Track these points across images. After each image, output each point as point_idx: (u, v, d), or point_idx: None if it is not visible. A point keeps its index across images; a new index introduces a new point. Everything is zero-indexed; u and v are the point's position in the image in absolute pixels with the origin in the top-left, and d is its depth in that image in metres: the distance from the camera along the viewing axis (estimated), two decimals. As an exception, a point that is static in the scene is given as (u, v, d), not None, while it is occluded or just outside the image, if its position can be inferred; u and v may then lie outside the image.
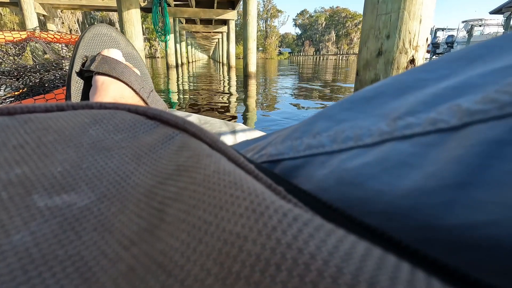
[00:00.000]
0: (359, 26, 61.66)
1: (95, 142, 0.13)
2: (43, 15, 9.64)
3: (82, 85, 0.43)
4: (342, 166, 0.13)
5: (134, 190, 0.11)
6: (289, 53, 64.31)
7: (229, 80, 5.67)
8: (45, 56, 0.96)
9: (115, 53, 0.43)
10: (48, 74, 0.82)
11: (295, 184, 0.13)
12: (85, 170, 0.11)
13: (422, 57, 1.27)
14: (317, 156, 0.14)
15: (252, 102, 3.23)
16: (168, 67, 9.27)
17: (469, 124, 0.10)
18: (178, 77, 6.01)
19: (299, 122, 0.18)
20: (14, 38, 0.91)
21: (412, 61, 1.25)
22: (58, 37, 1.00)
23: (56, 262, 0.08)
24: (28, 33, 0.95)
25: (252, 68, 5.74)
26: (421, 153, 0.11)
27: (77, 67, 0.42)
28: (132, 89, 0.42)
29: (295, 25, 70.71)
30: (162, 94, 3.86)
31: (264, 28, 63.66)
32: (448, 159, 0.10)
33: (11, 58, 0.85)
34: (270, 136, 0.20)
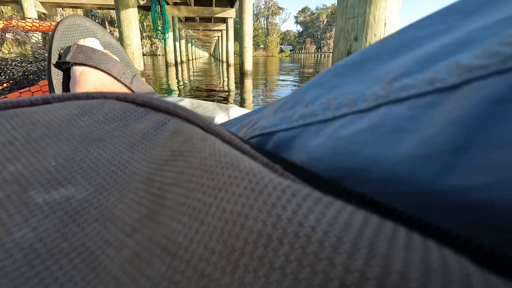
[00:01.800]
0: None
1: (86, 133, 0.13)
2: (43, 13, 9.74)
3: (62, 77, 0.42)
4: (336, 135, 0.13)
5: (131, 179, 0.11)
6: (290, 50, 64.16)
7: (227, 77, 5.75)
8: (26, 47, 0.93)
9: (91, 42, 0.42)
10: (31, 65, 0.80)
11: (291, 160, 0.13)
12: (80, 162, 0.11)
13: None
14: (310, 125, 0.14)
15: (248, 96, 3.31)
16: (167, 65, 9.37)
17: (468, 82, 0.09)
18: (177, 75, 6.08)
19: (292, 92, 0.17)
20: None
21: (378, 61, 1.35)
22: (37, 25, 0.95)
23: (62, 255, 0.08)
24: (4, 22, 0.90)
25: (248, 66, 5.83)
26: (418, 117, 0.10)
27: (54, 59, 0.41)
28: (112, 76, 0.41)
29: (297, 22, 70.42)
30: (164, 92, 3.91)
31: (266, 26, 63.52)
32: (446, 121, 0.09)
33: None
34: (263, 109, 0.20)
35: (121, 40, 4.96)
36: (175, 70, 7.71)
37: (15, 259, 0.08)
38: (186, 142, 0.11)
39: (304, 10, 68.01)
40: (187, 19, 12.97)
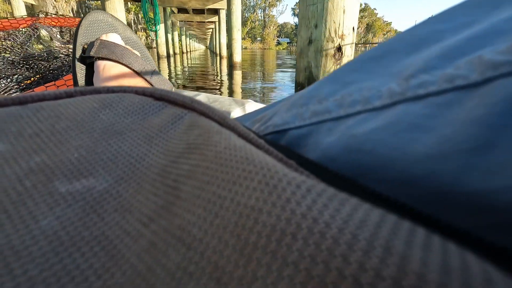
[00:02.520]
0: (359, 15, 60.89)
1: (106, 126, 0.13)
2: (32, 4, 9.56)
3: (86, 71, 0.44)
4: (350, 133, 0.12)
5: (149, 171, 0.11)
6: (287, 43, 63.63)
7: (220, 70, 5.70)
8: (53, 42, 0.95)
9: (113, 37, 0.44)
10: (56, 60, 0.83)
11: (306, 156, 0.13)
12: (100, 154, 0.11)
13: (349, 44, 1.37)
14: (323, 123, 0.14)
15: (237, 89, 3.30)
16: (158, 57, 9.28)
17: (492, 79, 0.09)
18: (170, 68, 6.03)
19: (305, 88, 0.17)
20: (19, 25, 0.90)
21: (339, 48, 1.35)
22: (63, 20, 0.98)
23: (83, 242, 0.08)
24: (33, 19, 0.93)
25: (237, 58, 5.79)
26: (436, 115, 0.10)
27: (78, 54, 0.43)
28: (134, 70, 0.42)
29: (294, 14, 69.68)
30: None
31: (262, 18, 62.77)
32: (467, 120, 0.09)
33: (18, 46, 0.85)
34: (276, 105, 0.19)
35: (107, 31, 4.90)
36: (166, 62, 7.64)
37: (41, 245, 0.08)
38: (202, 136, 0.11)
39: (301, 2, 66.24)
40: (180, 10, 12.80)
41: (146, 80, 0.43)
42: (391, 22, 65.75)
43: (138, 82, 0.42)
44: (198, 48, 35.37)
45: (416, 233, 0.06)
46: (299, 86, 1.56)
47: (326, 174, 0.11)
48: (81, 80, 0.43)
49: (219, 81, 3.87)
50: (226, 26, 5.77)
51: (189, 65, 7.26)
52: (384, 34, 62.87)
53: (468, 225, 0.08)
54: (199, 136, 0.11)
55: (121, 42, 0.45)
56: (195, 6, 9.65)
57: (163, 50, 9.64)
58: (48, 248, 0.08)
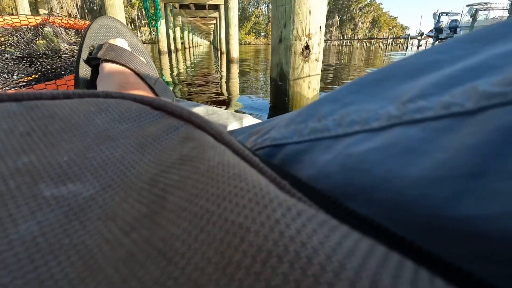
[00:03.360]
0: (364, 10, 60.14)
1: (100, 131, 0.13)
2: (35, 1, 9.73)
3: (90, 72, 0.44)
4: (347, 151, 0.12)
5: (138, 179, 0.11)
6: (291, 38, 62.43)
7: (220, 64, 5.76)
8: (59, 42, 0.96)
9: (121, 42, 0.45)
10: (60, 60, 0.82)
11: (300, 176, 0.13)
12: (91, 159, 0.11)
13: (316, 43, 1.48)
14: (321, 140, 0.14)
15: (235, 83, 3.36)
16: (160, 53, 9.40)
17: (486, 109, 0.09)
18: (171, 63, 6.13)
19: (305, 106, 0.17)
20: (29, 22, 0.91)
21: (306, 46, 1.46)
22: (72, 22, 0.99)
23: (61, 251, 0.08)
24: (43, 18, 0.94)
25: (235, 54, 5.88)
26: (432, 139, 0.10)
27: (84, 55, 0.44)
28: (138, 75, 0.42)
29: (298, 9, 68.03)
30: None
31: (266, 13, 62.36)
32: (461, 146, 0.09)
33: (24, 43, 0.85)
34: (275, 119, 0.20)
35: (106, 27, 5.01)
36: (168, 57, 7.76)
37: (16, 251, 0.08)
38: (196, 149, 0.11)
39: (306, -3, 65.45)
40: (182, 6, 12.87)
41: (149, 86, 0.44)
42: (397, 17, 64.82)
43: (141, 88, 0.42)
44: (201, 43, 35.38)
45: (404, 266, 0.06)
46: (272, 81, 1.67)
47: (319, 197, 0.11)
48: (83, 80, 0.44)
49: (219, 77, 3.93)
50: (224, 22, 5.85)
51: (192, 60, 7.35)
52: (389, 29, 62.08)
53: (458, 253, 0.09)
54: (193, 149, 0.11)
55: (128, 48, 0.46)
56: (196, 2, 9.73)
57: (164, 46, 9.75)
58: (24, 255, 0.08)
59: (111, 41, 0.44)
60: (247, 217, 0.07)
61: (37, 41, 0.91)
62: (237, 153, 0.11)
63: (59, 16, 0.98)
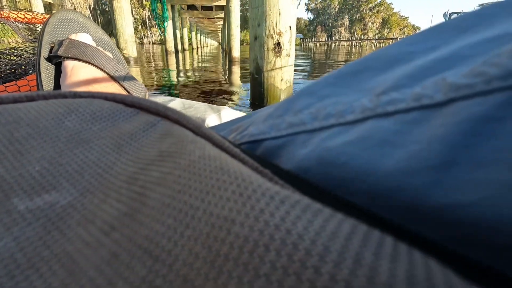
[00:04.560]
0: (374, 10, 59.56)
1: (72, 134, 0.12)
2: (49, 3, 10.18)
3: (54, 71, 0.41)
4: (323, 145, 0.12)
5: (116, 179, 0.10)
6: (300, 39, 63.16)
7: (226, 64, 5.96)
8: (17, 39, 0.89)
9: (84, 37, 0.41)
10: (19, 59, 0.76)
11: (281, 166, 0.13)
12: (65, 166, 0.11)
13: (287, 40, 1.68)
14: (298, 134, 0.14)
15: (236, 81, 3.42)
16: (166, 53, 9.72)
17: (454, 100, 0.09)
18: (178, 63, 6.37)
19: (282, 100, 0.17)
20: None
21: (278, 43, 1.66)
22: (30, 17, 0.89)
23: (42, 263, 0.08)
24: None
25: (236, 53, 6.11)
26: (405, 131, 0.10)
27: (45, 53, 0.40)
28: (105, 72, 0.40)
29: (307, 9, 68.96)
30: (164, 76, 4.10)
31: (275, 13, 61.69)
32: (432, 138, 0.09)
33: None
34: (253, 116, 0.20)
35: (114, 28, 5.32)
36: (174, 57, 8.05)
37: None
38: (176, 144, 0.11)
39: (315, -3, 65.57)
40: (190, 7, 13.19)
41: (118, 82, 0.41)
42: (408, 17, 63.91)
43: (110, 85, 0.40)
44: (210, 44, 35.80)
45: (385, 242, 0.06)
46: (251, 75, 1.88)
47: (300, 184, 0.11)
48: (47, 81, 0.40)
49: (223, 77, 4.06)
50: (224, 23, 6.08)
51: (199, 58, 7.58)
52: (400, 30, 61.28)
53: (437, 236, 0.09)
54: (173, 145, 0.11)
55: (92, 43, 0.42)
56: (202, 3, 10.02)
57: (171, 46, 10.08)
58: (3, 273, 0.07)
59: (73, 36, 0.41)
60: (232, 209, 0.07)
61: None
62: (217, 146, 0.11)
63: (14, 10, 0.88)
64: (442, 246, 0.08)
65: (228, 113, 0.64)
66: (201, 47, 22.93)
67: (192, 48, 17.51)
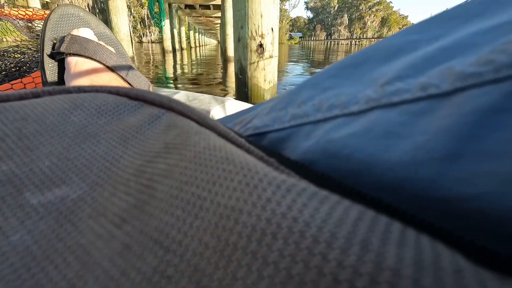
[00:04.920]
0: (374, 9, 59.49)
1: (79, 129, 0.12)
2: (47, 2, 10.20)
3: (57, 67, 0.42)
4: (328, 137, 0.12)
5: (124, 172, 0.11)
6: (300, 37, 63.13)
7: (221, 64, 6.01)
8: (22, 37, 0.88)
9: (85, 32, 0.41)
10: (23, 56, 0.77)
11: (285, 155, 0.13)
12: (73, 160, 0.11)
13: (269, 42, 1.73)
14: (302, 126, 0.14)
15: (231, 81, 3.55)
16: (164, 52, 9.75)
17: (461, 90, 0.09)
18: (175, 61, 6.41)
19: (286, 92, 0.17)
20: None
21: (260, 45, 1.72)
22: (31, 13, 0.89)
23: (56, 255, 0.08)
24: None
25: (231, 52, 6.15)
26: (410, 122, 0.10)
27: (47, 49, 0.41)
28: (108, 67, 0.40)
29: (307, 8, 68.84)
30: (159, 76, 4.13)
31: (275, 12, 61.72)
32: (438, 128, 0.09)
33: None
34: (256, 108, 0.20)
35: (110, 27, 5.36)
36: (172, 56, 8.09)
37: (12, 262, 0.08)
38: (180, 136, 0.11)
39: (315, -4, 65.40)
40: (188, 6, 13.21)
41: (121, 77, 0.41)
42: (407, 16, 63.79)
43: (113, 79, 0.40)
44: (209, 42, 35.76)
45: (392, 228, 0.06)
46: (235, 75, 1.93)
47: (306, 172, 0.11)
48: (51, 77, 0.41)
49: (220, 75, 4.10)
50: (221, 22, 6.13)
51: (197, 58, 7.60)
52: (399, 28, 61.22)
53: (444, 226, 0.09)
54: (178, 136, 0.11)
55: (94, 38, 0.43)
56: (200, 2, 10.04)
57: (168, 45, 10.11)
58: (19, 264, 0.08)
59: (74, 32, 0.41)
60: (239, 199, 0.08)
61: None
62: (222, 136, 0.11)
63: (14, 7, 0.87)
64: (449, 232, 0.08)
65: (232, 104, 0.64)
66: (199, 46, 22.94)
67: (191, 47, 17.53)
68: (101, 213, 0.09)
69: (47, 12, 0.93)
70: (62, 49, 0.39)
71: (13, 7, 0.87)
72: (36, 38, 0.87)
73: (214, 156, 0.09)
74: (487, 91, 0.08)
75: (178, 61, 6.38)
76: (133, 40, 5.71)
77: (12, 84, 0.64)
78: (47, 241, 0.08)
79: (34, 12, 0.90)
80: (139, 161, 0.11)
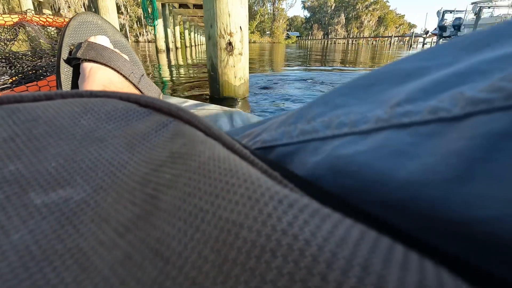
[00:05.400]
0: (370, 8, 59.64)
1: (87, 132, 0.12)
2: (38, 1, 10.22)
3: (72, 73, 0.43)
4: (335, 153, 0.13)
5: (129, 179, 0.11)
6: (297, 37, 63.23)
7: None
8: (40, 41, 0.94)
9: (102, 40, 0.43)
10: (41, 60, 0.80)
11: (291, 169, 0.13)
12: (79, 163, 0.11)
13: (238, 40, 1.81)
14: (310, 142, 0.14)
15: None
16: (157, 51, 9.80)
17: (472, 115, 0.09)
18: (170, 61, 6.43)
19: (296, 108, 0.18)
20: (5, 22, 0.86)
21: (229, 43, 1.79)
22: (51, 20, 0.95)
23: (56, 256, 0.08)
24: (19, 16, 0.90)
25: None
26: (419, 143, 0.10)
27: (64, 55, 0.42)
28: (121, 74, 0.41)
29: (304, 7, 68.92)
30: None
31: (272, 11, 62.49)
32: (448, 151, 0.09)
33: (2, 44, 0.83)
34: (266, 122, 0.20)
35: (100, 27, 5.40)
36: (166, 56, 8.13)
37: (10, 261, 0.08)
38: (186, 145, 0.11)
39: (311, -5, 65.51)
40: (182, 5, 13.25)
41: (133, 84, 0.43)
42: (404, 15, 64.04)
43: (125, 86, 0.42)
44: (204, 42, 35.64)
45: (394, 250, 0.06)
46: (208, 73, 2.01)
47: (310, 188, 0.11)
48: (66, 82, 0.42)
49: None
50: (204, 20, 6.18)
51: (192, 57, 7.60)
52: (396, 27, 61.43)
53: (450, 249, 0.09)
54: (184, 146, 0.11)
55: (110, 45, 0.44)
56: (193, 2, 10.09)
57: (161, 44, 10.16)
58: (18, 264, 0.08)
59: (92, 39, 0.42)
60: (240, 213, 0.07)
61: (15, 42, 0.89)
62: (227, 147, 0.11)
63: (36, 14, 0.95)
64: (454, 256, 0.08)
65: (239, 116, 0.64)
66: (195, 45, 22.95)
67: (186, 46, 17.56)
68: (103, 219, 0.09)
69: (66, 19, 0.99)
70: (78, 54, 0.40)
71: (35, 15, 0.94)
72: (54, 44, 0.90)
73: (218, 167, 0.09)
74: (498, 117, 0.09)
75: (173, 61, 6.41)
76: (128, 39, 5.75)
77: (27, 86, 0.66)
78: (47, 241, 0.08)
79: (54, 19, 0.96)
80: (144, 169, 0.11)
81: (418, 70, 0.13)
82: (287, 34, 63.93)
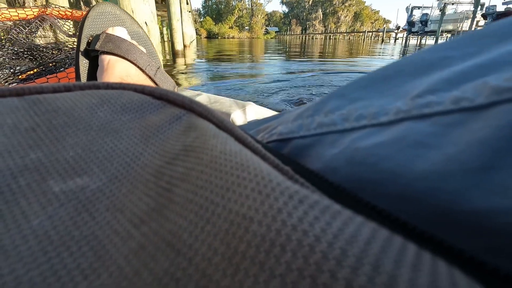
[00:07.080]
0: (347, 4, 60.80)
1: (103, 124, 0.13)
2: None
3: (90, 64, 0.43)
4: (353, 146, 0.13)
5: (143, 171, 0.11)
6: (276, 32, 63.48)
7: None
8: (58, 34, 0.95)
9: (120, 31, 0.43)
10: (60, 53, 0.81)
11: (303, 163, 0.13)
12: (96, 152, 0.11)
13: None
14: (328, 134, 0.14)
15: (180, 76, 3.51)
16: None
17: (497, 103, 0.09)
18: None
19: (312, 102, 0.18)
20: (27, 15, 0.89)
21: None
22: (69, 13, 0.96)
23: (72, 242, 0.08)
24: (40, 10, 0.92)
25: (179, 46, 6.33)
26: (441, 133, 0.10)
27: (83, 46, 0.42)
28: (138, 67, 0.42)
29: (282, 2, 69.16)
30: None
31: (250, 6, 62.26)
32: (471, 140, 0.09)
33: (24, 37, 0.84)
34: (282, 116, 0.20)
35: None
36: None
37: (30, 245, 0.08)
38: (199, 138, 0.11)
39: (289, -10, 65.65)
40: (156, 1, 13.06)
41: (149, 77, 0.43)
42: (379, 11, 65.67)
43: (142, 79, 0.42)
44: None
45: (407, 250, 0.06)
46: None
47: (323, 182, 0.11)
48: (84, 73, 0.43)
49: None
50: (167, 16, 6.28)
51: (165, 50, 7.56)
52: (372, 23, 63.06)
53: (468, 245, 0.09)
54: (196, 139, 0.11)
55: (128, 37, 0.44)
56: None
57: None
58: (37, 248, 0.08)
59: (110, 30, 0.43)
60: (250, 207, 0.08)
61: (36, 35, 0.88)
62: (239, 141, 0.11)
63: (56, 7, 0.95)
64: (469, 255, 0.08)
65: (253, 109, 0.64)
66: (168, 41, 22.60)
67: (164, 41, 17.32)
68: (118, 209, 0.09)
69: (84, 12, 0.96)
70: (96, 46, 0.41)
71: (54, 8, 0.96)
72: (73, 36, 0.93)
73: (229, 161, 0.09)
74: None
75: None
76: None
77: (48, 78, 0.67)
78: (64, 227, 0.09)
79: (73, 12, 0.99)
80: (158, 162, 0.11)
81: (439, 60, 0.13)
82: (266, 29, 63.94)
